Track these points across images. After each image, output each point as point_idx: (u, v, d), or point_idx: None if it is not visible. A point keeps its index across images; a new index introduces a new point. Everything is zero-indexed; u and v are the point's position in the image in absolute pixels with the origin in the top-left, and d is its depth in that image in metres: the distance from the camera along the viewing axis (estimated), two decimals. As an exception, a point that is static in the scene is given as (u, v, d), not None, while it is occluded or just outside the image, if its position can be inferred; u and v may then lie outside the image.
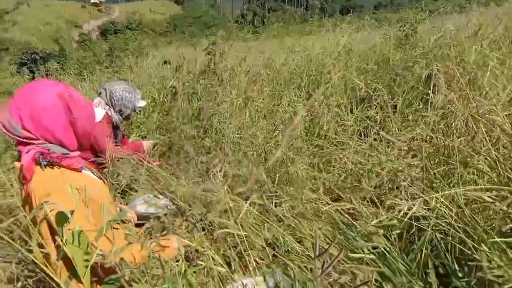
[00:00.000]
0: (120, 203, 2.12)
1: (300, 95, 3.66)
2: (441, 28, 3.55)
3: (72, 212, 1.06)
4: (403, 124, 2.68)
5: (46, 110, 1.30)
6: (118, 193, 2.38)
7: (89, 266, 1.06)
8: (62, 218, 1.03)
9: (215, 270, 1.35)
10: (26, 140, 1.31)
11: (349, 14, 6.20)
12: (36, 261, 1.08)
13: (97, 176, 1.60)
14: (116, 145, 2.70)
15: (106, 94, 2.70)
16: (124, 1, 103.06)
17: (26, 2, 71.88)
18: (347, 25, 5.08)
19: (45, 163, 1.31)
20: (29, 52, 26.17)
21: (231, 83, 3.77)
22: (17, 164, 1.35)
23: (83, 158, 1.51)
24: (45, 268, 1.06)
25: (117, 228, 1.32)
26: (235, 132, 2.91)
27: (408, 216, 1.30)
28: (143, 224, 2.01)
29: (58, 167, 1.35)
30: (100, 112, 1.76)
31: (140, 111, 4.15)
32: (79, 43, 55.54)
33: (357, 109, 3.01)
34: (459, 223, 1.43)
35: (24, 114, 1.28)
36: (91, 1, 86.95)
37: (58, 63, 19.46)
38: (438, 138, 2.13)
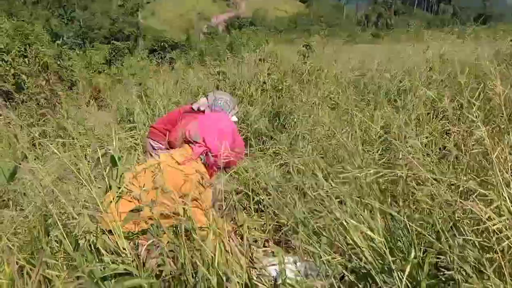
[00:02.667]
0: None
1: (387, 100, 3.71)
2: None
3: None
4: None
5: (223, 132, 2.00)
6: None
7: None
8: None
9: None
10: (197, 144, 1.98)
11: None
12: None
13: None
14: None
15: (211, 98, 3.29)
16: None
17: (164, -6, 79.53)
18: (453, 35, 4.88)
19: (202, 159, 1.99)
20: (160, 41, 29.22)
21: (314, 82, 3.97)
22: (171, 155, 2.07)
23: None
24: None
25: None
26: (306, 129, 3.13)
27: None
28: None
29: (206, 164, 2.03)
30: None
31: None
32: (206, 35, 59.35)
33: (429, 121, 3.01)
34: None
35: (209, 130, 1.99)
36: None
37: (183, 51, 21.37)
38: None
